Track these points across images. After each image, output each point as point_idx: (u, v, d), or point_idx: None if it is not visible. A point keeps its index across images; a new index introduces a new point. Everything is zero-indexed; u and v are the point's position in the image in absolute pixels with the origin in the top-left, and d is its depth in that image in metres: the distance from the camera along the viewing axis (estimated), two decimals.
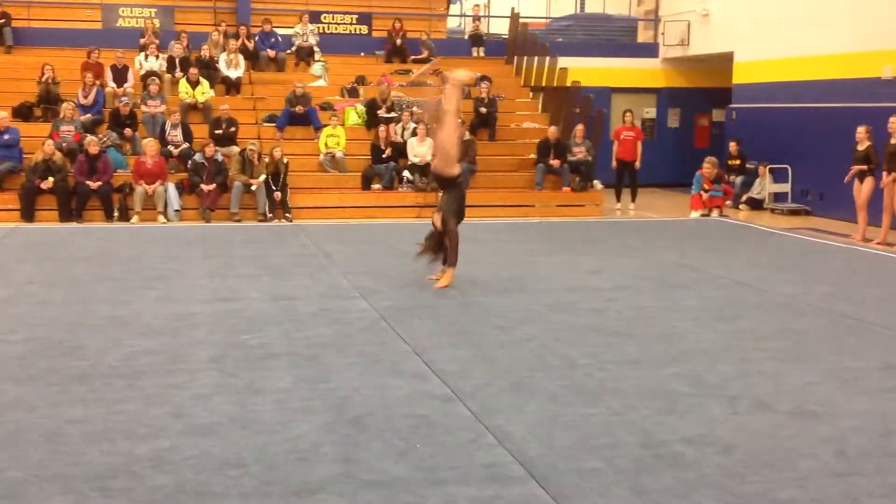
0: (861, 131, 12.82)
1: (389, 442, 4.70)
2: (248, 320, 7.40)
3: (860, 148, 12.79)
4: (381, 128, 15.98)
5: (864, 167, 12.70)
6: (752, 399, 5.44)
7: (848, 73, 15.34)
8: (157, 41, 17.66)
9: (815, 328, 7.34)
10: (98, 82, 16.21)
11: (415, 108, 17.12)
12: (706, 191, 15.64)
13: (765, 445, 4.68)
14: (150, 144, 14.50)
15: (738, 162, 17.42)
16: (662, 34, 21.17)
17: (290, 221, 14.40)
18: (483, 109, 17.01)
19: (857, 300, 8.48)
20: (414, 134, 16.00)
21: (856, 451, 4.61)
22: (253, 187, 14.50)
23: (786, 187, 16.85)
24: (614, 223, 14.88)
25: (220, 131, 15.46)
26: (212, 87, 16.89)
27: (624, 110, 17.32)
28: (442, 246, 8.99)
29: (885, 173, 12.39)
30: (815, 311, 7.96)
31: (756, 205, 16.85)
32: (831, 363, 6.26)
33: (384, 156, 15.72)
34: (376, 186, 15.61)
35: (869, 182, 12.66)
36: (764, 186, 16.96)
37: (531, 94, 19.19)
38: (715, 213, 15.57)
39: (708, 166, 15.83)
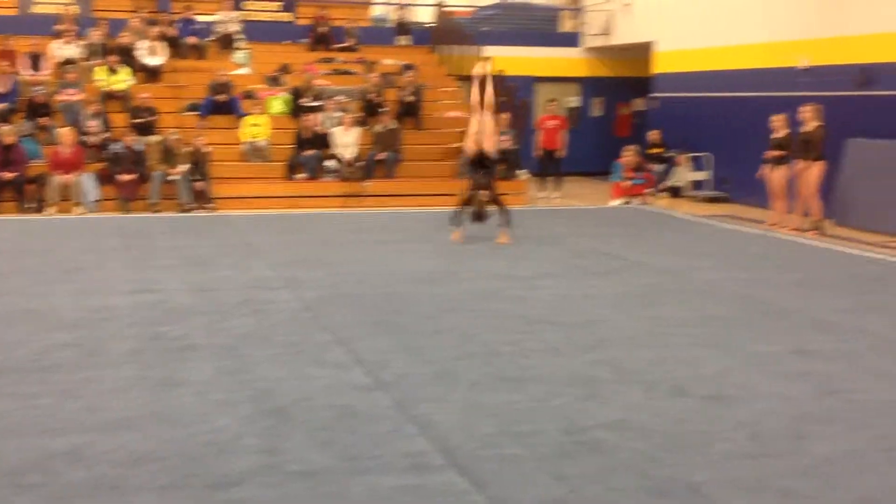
0: (777, 119, 13.12)
1: (312, 432, 4.67)
2: (168, 312, 7.29)
3: (777, 136, 13.10)
4: (306, 116, 15.85)
5: (780, 153, 13.01)
6: (671, 384, 5.55)
7: (765, 62, 15.69)
8: (75, 28, 17.22)
9: (732, 314, 7.50)
10: (12, 70, 15.75)
11: (339, 97, 17.02)
12: (627, 179, 15.87)
13: (681, 429, 4.77)
14: (66, 134, 14.16)
15: (659, 150, 17.70)
16: (585, 24, 21.39)
17: (213, 211, 14.21)
18: (408, 98, 16.97)
19: (773, 285, 8.69)
20: (339, 123, 15.91)
21: (769, 434, 4.73)
22: (174, 177, 14.26)
23: (705, 175, 17.18)
24: (538, 211, 15.00)
25: (140, 120, 15.16)
26: (132, 74, 16.54)
27: (548, 99, 17.45)
28: (483, 215, 10.82)
29: (798, 160, 12.70)
30: (732, 297, 8.14)
31: (676, 193, 17.15)
32: (747, 348, 6.41)
33: (308, 145, 15.60)
34: (301, 176, 15.48)
35: (783, 169, 12.98)
36: (683, 174, 17.27)
37: (456, 82, 19.22)
38: (636, 201, 15.81)
39: (628, 155, 16.07)
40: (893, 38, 13.15)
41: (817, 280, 9.12)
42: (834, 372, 5.85)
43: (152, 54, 17.06)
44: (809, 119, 12.57)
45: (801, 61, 14.87)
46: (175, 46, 17.99)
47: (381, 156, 15.74)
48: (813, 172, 12.51)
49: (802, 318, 7.34)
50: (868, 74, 13.50)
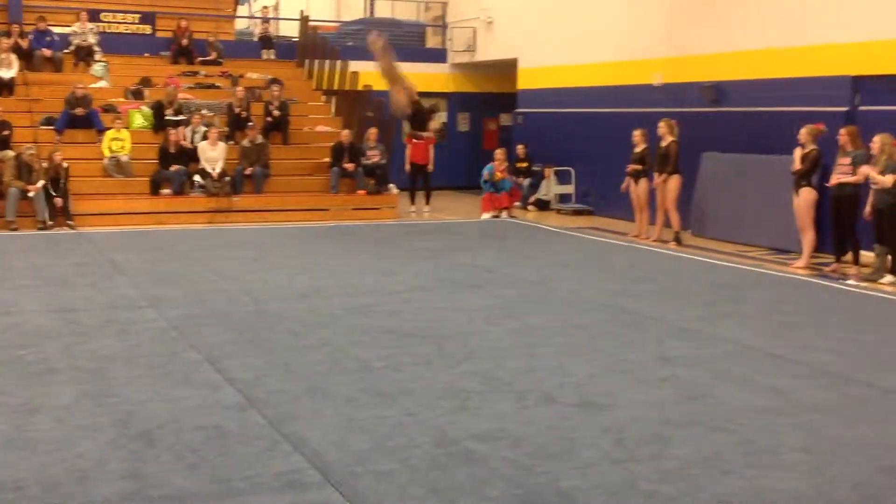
0: (637, 134, 13.58)
1: (180, 455, 4.56)
2: (25, 334, 7.00)
3: (637, 150, 13.55)
4: (170, 131, 15.49)
5: (640, 167, 13.46)
6: (540, 393, 5.66)
7: (623, 80, 16.22)
8: None
9: (597, 323, 7.72)
10: None
11: (204, 111, 16.71)
12: (494, 183, 16.06)
13: (551, 437, 4.88)
14: None
15: (525, 164, 18.04)
16: (450, 40, 21.66)
17: (73, 229, 13.71)
18: (275, 113, 16.81)
19: (635, 295, 8.98)
20: (205, 137, 15.61)
21: (634, 439, 4.88)
22: (31, 194, 13.69)
23: (570, 188, 17.62)
24: (409, 225, 15.07)
25: None
26: None
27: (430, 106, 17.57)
28: None
29: (656, 174, 13.17)
30: (596, 307, 8.37)
31: (543, 206, 17.51)
32: (612, 356, 6.61)
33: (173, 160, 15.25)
34: (166, 191, 15.11)
35: (644, 183, 13.43)
36: (550, 188, 17.66)
37: (324, 97, 19.14)
38: (504, 214, 16.07)
39: (499, 154, 16.46)
40: (738, 56, 13.81)
41: (677, 289, 9.47)
42: (695, 377, 6.08)
43: (4, 67, 16.36)
44: (664, 134, 13.06)
45: (656, 79, 15.44)
46: (28, 59, 17.32)
47: (249, 171, 15.53)
48: (670, 185, 12.99)
49: (663, 326, 7.61)
50: (716, 91, 14.13)
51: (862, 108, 12.02)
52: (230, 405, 5.37)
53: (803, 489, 4.28)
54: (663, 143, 13.06)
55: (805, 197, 11.09)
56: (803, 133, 11.11)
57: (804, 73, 12.76)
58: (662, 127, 13.07)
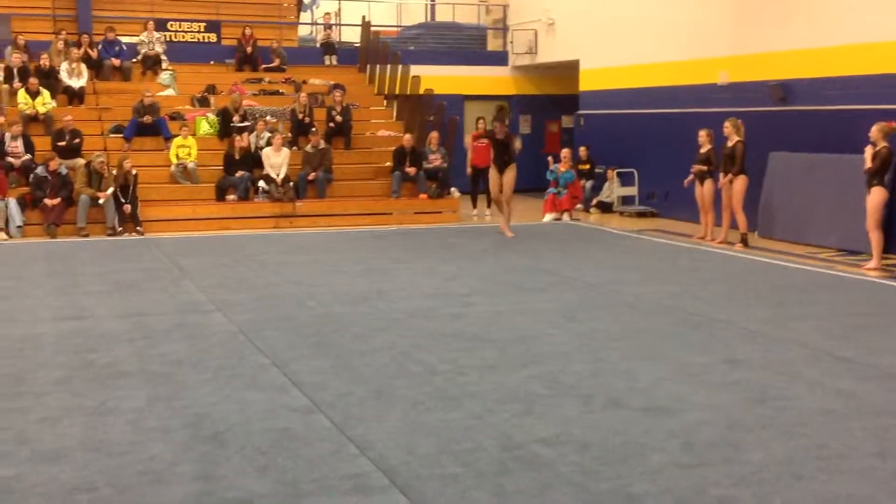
0: (703, 134, 13.39)
1: (249, 457, 4.62)
2: (97, 338, 7.15)
3: (702, 151, 13.37)
4: (235, 137, 15.72)
5: (705, 168, 13.28)
6: (606, 397, 5.61)
7: (687, 79, 16.04)
8: None
9: (663, 326, 7.63)
10: None
11: (268, 118, 16.92)
12: (558, 176, 16.09)
13: (618, 441, 4.83)
14: None
15: (587, 166, 17.93)
16: (511, 43, 21.63)
17: (142, 235, 13.99)
18: (338, 118, 16.95)
19: (702, 297, 8.86)
20: (269, 143, 15.81)
21: (703, 444, 4.81)
22: (101, 201, 14.01)
23: (633, 190, 17.46)
24: (471, 229, 15.08)
25: (64, 143, 14.88)
26: (53, 97, 16.22)
27: (477, 117, 17.57)
28: None
29: (721, 175, 12.99)
30: (662, 310, 8.28)
31: (605, 208, 17.39)
32: (679, 359, 6.52)
33: (238, 166, 15.46)
34: (231, 197, 15.33)
35: (709, 183, 13.25)
36: (612, 190, 17.53)
37: (385, 102, 19.26)
38: (566, 217, 15.99)
39: (565, 153, 16.65)
40: (807, 54, 13.55)
41: (744, 291, 9.31)
42: (764, 381, 5.98)
43: (74, 76, 16.76)
44: (730, 134, 12.86)
45: (721, 77, 15.23)
46: (97, 68, 17.73)
47: (312, 176, 15.68)
48: (736, 186, 12.80)
49: (731, 329, 7.49)
50: (784, 90, 13.88)
51: None
52: (297, 408, 5.42)
53: (878, 495, 4.18)
54: (729, 143, 12.86)
55: (875, 196, 10.84)
56: (874, 131, 10.86)
57: (874, 71, 12.48)
58: (728, 127, 12.87)
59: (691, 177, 13.51)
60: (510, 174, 13.48)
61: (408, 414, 5.30)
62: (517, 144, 13.79)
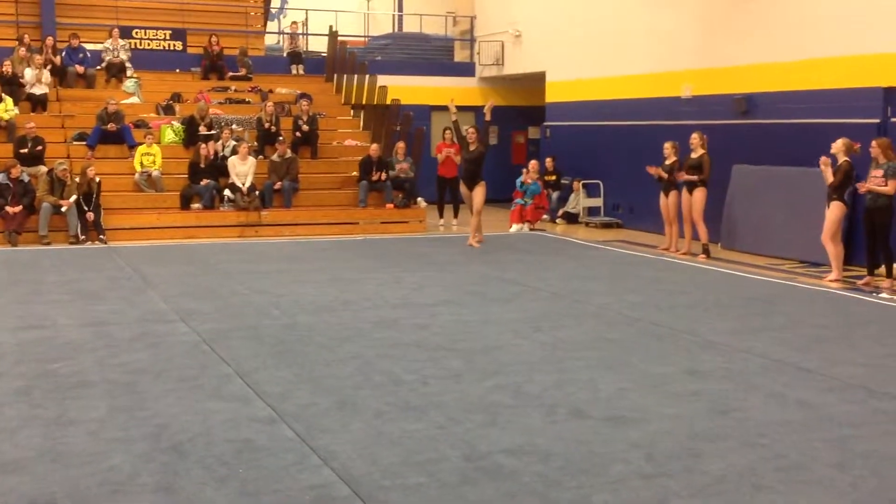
0: (668, 146, 13.50)
1: (210, 468, 4.59)
2: (58, 348, 7.07)
3: (667, 162, 13.47)
4: (201, 146, 15.63)
5: (670, 179, 13.37)
6: (569, 407, 5.64)
7: (652, 92, 16.18)
8: None
9: (626, 336, 7.68)
10: None
11: (234, 126, 16.85)
12: (525, 190, 16.19)
13: (580, 452, 4.85)
14: None
15: (553, 177, 18.03)
16: (478, 54, 21.72)
17: (105, 243, 13.86)
18: (304, 127, 16.91)
19: (665, 308, 8.93)
20: (234, 152, 15.74)
21: (664, 454, 4.84)
22: (63, 209, 13.87)
23: (598, 201, 17.58)
24: (437, 239, 15.09)
25: (26, 150, 14.73)
26: (16, 104, 16.05)
27: (444, 128, 17.59)
28: None
29: (685, 187, 13.10)
30: (626, 320, 8.33)
31: (571, 219, 17.48)
32: (641, 370, 6.56)
33: (204, 175, 15.38)
34: (196, 206, 15.24)
35: (674, 195, 13.36)
36: (578, 201, 17.63)
37: (352, 111, 19.25)
38: (526, 227, 16.07)
39: (532, 165, 16.90)
40: (768, 68, 13.73)
41: (707, 302, 9.40)
42: (725, 391, 6.03)
43: (38, 83, 16.59)
44: (697, 146, 12.99)
45: (685, 90, 15.38)
46: (61, 75, 17.56)
47: (279, 185, 15.63)
48: (696, 197, 12.92)
49: (693, 340, 7.56)
50: (747, 103, 14.04)
51: (894, 119, 11.90)
52: (260, 418, 5.39)
53: None
54: (694, 155, 12.99)
55: (833, 211, 10.97)
56: (839, 144, 10.98)
57: (835, 85, 12.67)
58: (695, 139, 13.00)
59: (656, 174, 13.53)
60: (479, 191, 13.47)
61: (371, 424, 5.29)
62: (481, 148, 13.64)
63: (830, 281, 10.82)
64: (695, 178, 13.04)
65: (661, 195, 13.58)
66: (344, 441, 4.98)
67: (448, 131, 17.23)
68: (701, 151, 12.93)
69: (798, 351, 7.18)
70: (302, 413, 5.48)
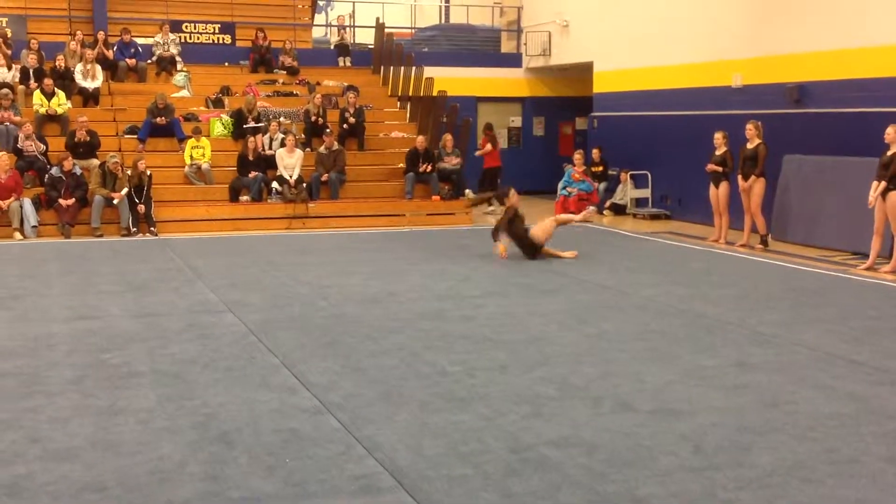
0: (718, 137, 13.33)
1: (257, 457, 4.63)
2: (110, 338, 7.18)
3: (718, 153, 13.30)
4: (249, 139, 15.76)
5: (720, 169, 13.21)
6: (615, 399, 5.60)
7: (701, 81, 15.98)
8: (9, 51, 16.93)
9: (673, 328, 7.60)
10: None
11: (282, 119, 16.97)
12: (576, 180, 16.09)
13: (626, 444, 4.82)
14: (2, 158, 13.90)
15: (600, 168, 17.90)
16: (525, 45, 21.62)
17: (155, 235, 14.04)
18: (351, 120, 16.98)
19: (713, 300, 8.82)
20: (282, 145, 15.84)
21: (712, 447, 4.79)
22: (115, 201, 14.08)
23: (646, 192, 17.41)
24: (484, 230, 15.03)
25: (79, 143, 14.93)
26: (68, 98, 16.31)
27: (485, 124, 17.54)
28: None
29: (740, 178, 12.92)
30: (673, 312, 8.25)
31: (619, 210, 17.35)
32: (689, 362, 6.50)
33: (252, 167, 15.51)
34: (244, 198, 15.38)
35: (724, 186, 13.20)
36: (626, 192, 17.49)
37: (398, 103, 19.27)
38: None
39: (577, 156, 16.79)
40: (822, 56, 13.48)
41: (756, 294, 9.27)
42: (775, 384, 5.95)
43: (88, 77, 16.85)
44: (752, 136, 12.80)
45: (735, 80, 15.17)
46: (112, 69, 17.82)
47: (325, 177, 15.71)
48: (756, 189, 12.74)
49: (742, 332, 7.46)
50: (799, 92, 13.81)
51: None
52: (306, 409, 5.43)
53: (889, 500, 4.15)
54: (750, 145, 12.81)
55: (893, 199, 10.71)
56: (890, 132, 10.76)
57: (889, 73, 12.40)
58: (751, 128, 12.81)
59: (709, 168, 13.37)
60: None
61: (416, 415, 5.30)
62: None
63: (886, 272, 10.59)
64: (720, 169, 12.90)
65: (711, 186, 13.42)
66: (389, 432, 5.00)
67: (489, 131, 17.20)
68: (757, 141, 12.75)
69: (849, 343, 7.06)
70: (347, 403, 5.51)
